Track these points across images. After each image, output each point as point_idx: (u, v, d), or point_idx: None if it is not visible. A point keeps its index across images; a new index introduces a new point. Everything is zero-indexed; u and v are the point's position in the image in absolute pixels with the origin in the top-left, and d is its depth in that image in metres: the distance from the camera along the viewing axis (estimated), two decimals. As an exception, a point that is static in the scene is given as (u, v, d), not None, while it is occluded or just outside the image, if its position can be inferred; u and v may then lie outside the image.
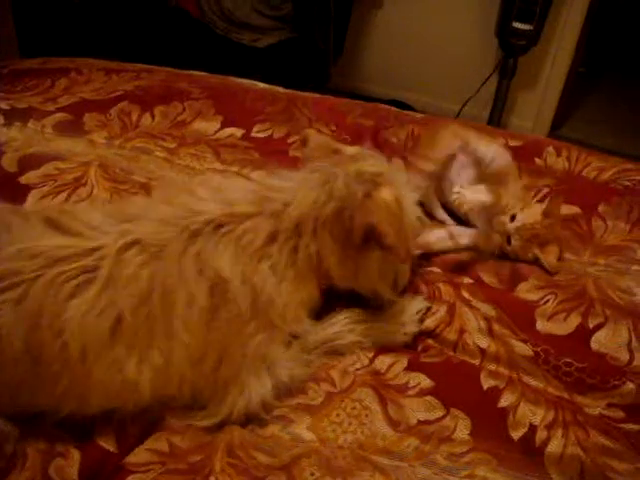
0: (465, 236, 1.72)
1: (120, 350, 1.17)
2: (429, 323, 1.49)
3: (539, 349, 1.44)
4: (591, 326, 1.50)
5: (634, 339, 1.46)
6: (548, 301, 1.56)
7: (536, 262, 1.66)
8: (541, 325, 1.51)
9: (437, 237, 1.72)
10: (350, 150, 1.46)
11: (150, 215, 1.27)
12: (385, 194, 1.30)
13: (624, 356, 1.43)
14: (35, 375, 1.16)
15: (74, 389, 1.18)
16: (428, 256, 1.69)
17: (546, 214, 1.63)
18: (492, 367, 1.40)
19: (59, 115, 2.15)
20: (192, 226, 1.25)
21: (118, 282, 1.16)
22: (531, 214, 1.63)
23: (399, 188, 1.37)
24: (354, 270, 1.38)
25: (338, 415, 1.30)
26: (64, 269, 1.16)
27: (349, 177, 1.32)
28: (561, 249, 1.68)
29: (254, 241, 1.27)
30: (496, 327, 1.49)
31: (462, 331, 1.48)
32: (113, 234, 1.21)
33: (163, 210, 1.29)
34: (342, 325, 1.43)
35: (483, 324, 1.49)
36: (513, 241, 1.64)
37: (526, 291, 1.60)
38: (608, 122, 4.70)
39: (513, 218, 1.63)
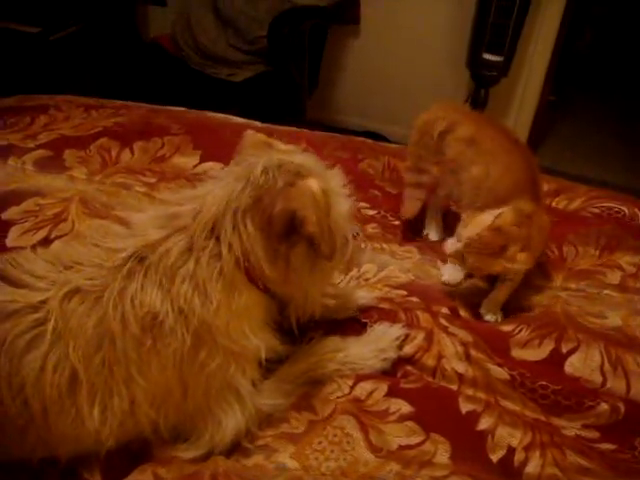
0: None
1: (81, 402, 1.16)
2: (408, 349, 1.51)
3: (515, 373, 1.47)
4: (564, 351, 1.53)
5: (606, 362, 1.50)
6: (522, 330, 1.60)
7: (505, 271, 1.59)
8: (515, 352, 1.54)
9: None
10: (283, 146, 1.41)
11: (84, 260, 1.23)
12: (311, 183, 1.22)
13: (597, 378, 1.47)
14: (2, 429, 1.17)
15: (42, 441, 1.19)
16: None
17: (496, 229, 1.52)
18: (470, 392, 1.43)
19: (39, 152, 2.17)
20: (118, 266, 1.20)
21: (67, 334, 1.15)
22: (474, 227, 1.56)
23: (330, 185, 1.29)
24: (285, 269, 1.26)
25: (320, 443, 1.31)
26: (16, 323, 1.15)
27: (270, 166, 1.23)
28: (522, 245, 1.55)
29: (169, 264, 1.20)
30: (473, 352, 1.52)
31: (440, 357, 1.50)
32: (56, 284, 1.19)
33: (91, 253, 1.25)
34: (321, 354, 1.45)
35: (460, 349, 1.52)
36: (469, 260, 1.59)
37: (500, 323, 1.65)
38: (578, 149, 4.79)
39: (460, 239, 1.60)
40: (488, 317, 1.66)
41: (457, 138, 1.80)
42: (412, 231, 1.99)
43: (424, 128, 1.91)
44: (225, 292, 1.22)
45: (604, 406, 1.41)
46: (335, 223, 1.27)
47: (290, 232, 1.21)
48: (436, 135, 1.85)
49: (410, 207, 1.97)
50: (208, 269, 1.21)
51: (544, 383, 1.45)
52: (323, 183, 1.25)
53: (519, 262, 1.54)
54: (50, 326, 1.15)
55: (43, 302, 1.17)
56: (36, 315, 1.16)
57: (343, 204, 1.32)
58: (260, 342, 1.28)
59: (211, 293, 1.20)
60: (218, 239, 1.22)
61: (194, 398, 1.25)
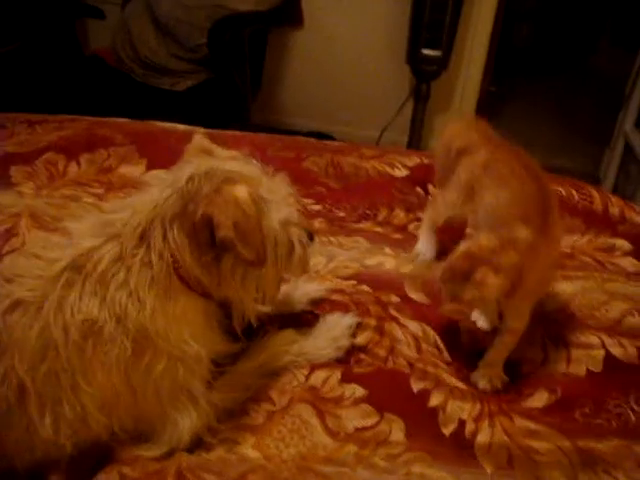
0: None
1: (31, 413, 1.17)
2: (360, 340, 1.55)
3: (462, 369, 1.53)
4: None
5: (547, 339, 1.58)
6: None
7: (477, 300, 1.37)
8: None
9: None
10: (224, 153, 1.40)
11: (25, 272, 1.24)
12: (238, 190, 1.21)
13: (538, 355, 1.55)
14: None
15: None
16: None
17: (466, 252, 1.35)
18: (421, 375, 1.48)
19: (-15, 170, 2.16)
20: (56, 276, 1.21)
21: (12, 347, 1.16)
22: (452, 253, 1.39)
23: (265, 192, 1.28)
24: (217, 276, 1.27)
25: (280, 432, 1.35)
26: None
27: (197, 173, 1.24)
28: (497, 271, 1.31)
29: (103, 271, 1.20)
30: (424, 346, 1.57)
31: (392, 348, 1.55)
32: None
33: (31, 264, 1.25)
34: (277, 347, 1.48)
35: (412, 342, 1.57)
36: (443, 292, 1.41)
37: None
38: (521, 136, 4.86)
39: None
40: (482, 385, 1.48)
41: (473, 161, 1.71)
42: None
43: (447, 143, 1.84)
44: (159, 299, 1.23)
45: (543, 392, 1.47)
46: (271, 230, 1.28)
47: (215, 238, 1.20)
48: (454, 153, 1.78)
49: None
50: (140, 277, 1.21)
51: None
52: (255, 189, 1.25)
53: (487, 286, 1.30)
54: None
55: None
56: None
57: (283, 211, 1.32)
58: (201, 347, 1.28)
59: (145, 300, 1.21)
60: (149, 247, 1.23)
61: (145, 401, 1.26)
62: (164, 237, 1.22)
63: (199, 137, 1.45)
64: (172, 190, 1.24)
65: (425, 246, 1.87)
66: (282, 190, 1.35)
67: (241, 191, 1.21)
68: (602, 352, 1.55)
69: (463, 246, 1.37)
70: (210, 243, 1.21)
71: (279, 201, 1.32)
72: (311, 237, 1.42)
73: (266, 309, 1.47)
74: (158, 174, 1.40)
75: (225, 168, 1.27)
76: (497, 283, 1.30)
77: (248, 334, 1.45)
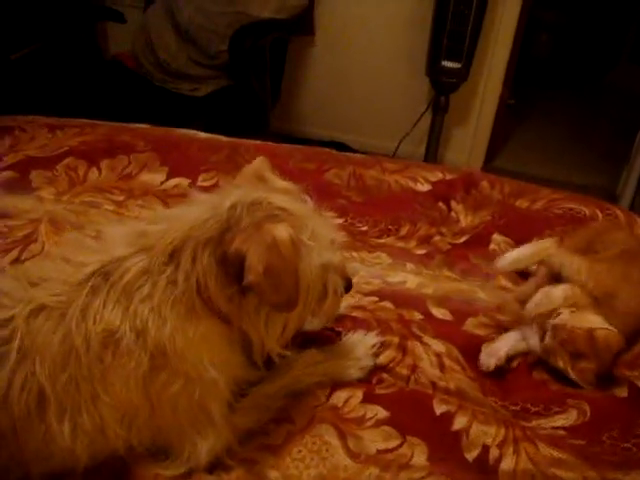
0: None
1: (50, 420, 1.15)
2: (382, 359, 1.53)
3: (487, 383, 1.51)
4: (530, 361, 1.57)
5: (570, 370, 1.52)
6: (494, 339, 1.62)
7: (565, 372, 1.49)
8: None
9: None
10: (278, 183, 1.36)
11: (51, 275, 1.22)
12: (279, 230, 1.15)
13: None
14: None
15: (15, 460, 1.18)
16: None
17: (590, 335, 1.42)
18: (444, 396, 1.46)
19: (5, 173, 2.17)
20: (82, 282, 1.19)
21: (33, 352, 1.14)
22: (579, 319, 1.46)
23: (308, 234, 1.23)
24: (239, 309, 1.23)
25: (300, 452, 1.33)
26: None
27: (241, 202, 1.20)
28: (598, 371, 1.46)
29: (129, 282, 1.18)
30: (447, 361, 1.55)
31: (414, 367, 1.53)
32: (22, 301, 1.17)
33: (58, 268, 1.24)
34: (300, 369, 1.45)
35: (434, 360, 1.55)
36: (547, 338, 1.48)
37: (473, 326, 1.67)
38: (538, 150, 4.88)
39: (558, 315, 1.49)
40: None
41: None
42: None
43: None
44: (181, 319, 1.20)
45: (573, 412, 1.44)
46: (306, 275, 1.22)
47: (242, 275, 1.15)
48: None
49: None
50: (164, 294, 1.18)
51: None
52: (297, 230, 1.20)
53: (581, 379, 1.46)
54: (16, 344, 1.14)
55: (8, 320, 1.16)
56: (1, 333, 1.16)
57: (324, 256, 1.26)
58: (221, 372, 1.25)
59: (166, 318, 1.18)
60: (177, 266, 1.20)
61: (163, 417, 1.24)
62: (193, 260, 1.19)
63: (260, 161, 1.41)
64: (212, 214, 1.21)
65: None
66: (328, 233, 1.30)
67: (282, 232, 1.16)
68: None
69: (595, 323, 1.44)
70: (238, 277, 1.16)
71: (322, 245, 1.26)
72: (348, 288, 1.39)
73: (287, 353, 1.39)
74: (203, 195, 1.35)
75: (272, 202, 1.23)
76: (592, 382, 1.46)
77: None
